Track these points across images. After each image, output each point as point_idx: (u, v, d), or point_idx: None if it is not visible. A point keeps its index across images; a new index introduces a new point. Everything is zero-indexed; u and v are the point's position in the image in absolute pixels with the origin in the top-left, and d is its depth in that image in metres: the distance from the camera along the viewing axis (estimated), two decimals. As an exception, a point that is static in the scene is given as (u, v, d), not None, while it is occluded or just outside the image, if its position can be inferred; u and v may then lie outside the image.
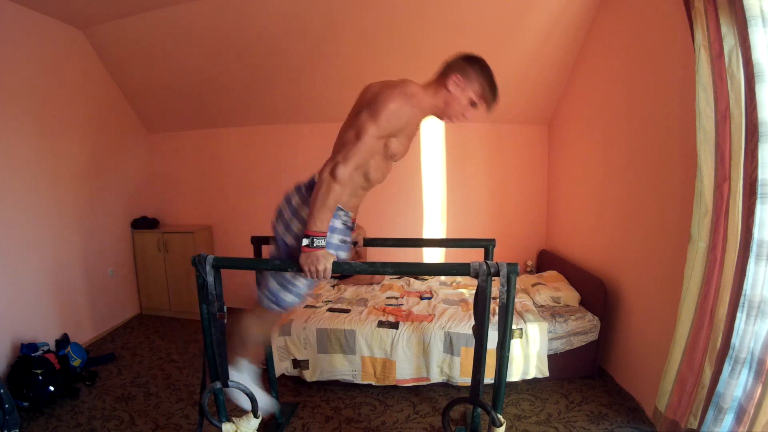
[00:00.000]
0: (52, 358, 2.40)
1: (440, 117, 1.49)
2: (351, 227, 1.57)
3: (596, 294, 2.43)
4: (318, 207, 1.29)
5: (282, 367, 2.38)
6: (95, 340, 3.19)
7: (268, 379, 2.06)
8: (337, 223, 1.47)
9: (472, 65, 1.44)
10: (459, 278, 3.29)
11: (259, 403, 1.57)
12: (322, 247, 1.31)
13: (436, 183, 3.61)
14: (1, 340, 2.41)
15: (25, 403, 2.18)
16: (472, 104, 1.44)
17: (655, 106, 2.03)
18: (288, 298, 1.51)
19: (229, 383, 1.50)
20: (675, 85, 1.86)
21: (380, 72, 3.04)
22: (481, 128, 3.53)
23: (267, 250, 1.84)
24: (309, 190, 1.44)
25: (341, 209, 1.47)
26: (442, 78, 1.46)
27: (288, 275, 1.49)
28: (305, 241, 1.30)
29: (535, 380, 2.38)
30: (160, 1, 2.62)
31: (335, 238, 1.46)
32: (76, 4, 2.59)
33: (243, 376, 1.61)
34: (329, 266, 1.31)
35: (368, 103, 1.35)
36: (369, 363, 2.33)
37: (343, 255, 1.53)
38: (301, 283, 1.50)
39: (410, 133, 1.44)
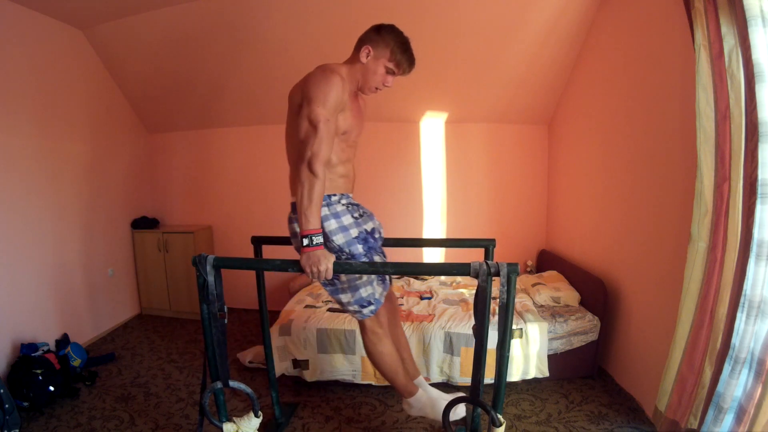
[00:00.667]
0: (52, 358, 2.40)
1: (363, 91, 1.51)
2: (358, 206, 1.59)
3: (596, 294, 2.43)
4: (305, 206, 1.30)
5: (282, 367, 2.38)
6: (95, 340, 3.19)
7: (268, 379, 2.06)
8: (338, 208, 1.49)
9: (380, 33, 1.45)
10: (459, 278, 3.29)
11: (459, 411, 1.54)
12: (321, 245, 1.31)
13: (436, 183, 3.62)
14: (1, 340, 2.41)
15: (25, 403, 2.18)
16: (389, 72, 1.47)
17: (655, 106, 2.03)
18: (363, 291, 1.49)
19: (230, 383, 1.50)
20: (675, 85, 1.86)
21: (380, 72, 3.07)
22: (481, 128, 3.54)
23: (267, 250, 1.85)
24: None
25: (333, 195, 1.49)
26: (355, 52, 1.48)
27: (340, 278, 1.49)
28: (305, 242, 1.30)
29: (535, 380, 2.38)
30: (160, 1, 2.62)
31: (346, 219, 1.48)
32: (76, 4, 2.59)
33: (423, 406, 1.59)
34: (330, 266, 1.31)
35: (301, 98, 1.38)
36: (369, 363, 2.33)
37: (369, 225, 1.55)
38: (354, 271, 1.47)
39: (350, 108, 1.46)
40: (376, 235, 1.60)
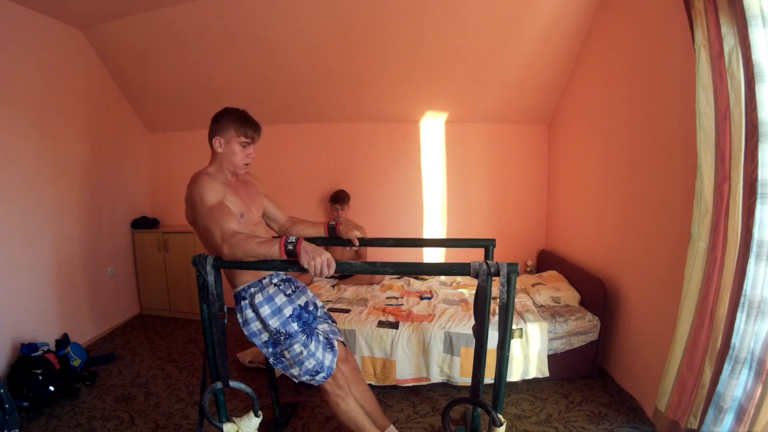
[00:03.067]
0: (52, 358, 2.40)
1: (235, 173, 1.62)
2: (290, 280, 1.72)
3: (596, 294, 2.43)
4: (255, 252, 1.32)
5: (282, 367, 2.38)
6: (95, 340, 3.19)
7: (268, 379, 2.06)
8: (270, 290, 1.61)
9: (218, 121, 1.58)
10: (459, 278, 3.29)
11: None
12: (300, 239, 1.33)
13: (436, 183, 3.61)
14: (1, 340, 2.41)
15: (25, 403, 2.18)
16: (245, 145, 1.58)
17: (655, 106, 2.03)
18: (308, 364, 1.58)
19: (230, 383, 1.50)
20: (675, 85, 1.86)
21: (379, 72, 3.08)
22: (481, 128, 3.54)
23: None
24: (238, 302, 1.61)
25: (263, 279, 1.62)
26: (211, 149, 1.60)
27: (285, 356, 1.59)
28: (290, 246, 1.31)
29: (535, 380, 2.38)
30: (160, 1, 2.62)
31: (279, 299, 1.59)
32: (76, 4, 2.59)
33: None
34: (327, 255, 1.30)
35: (190, 212, 1.50)
36: (369, 363, 2.33)
37: (302, 299, 1.68)
38: (300, 343, 1.57)
39: (234, 194, 1.55)
40: (310, 308, 1.71)
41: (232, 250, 1.33)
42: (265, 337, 1.59)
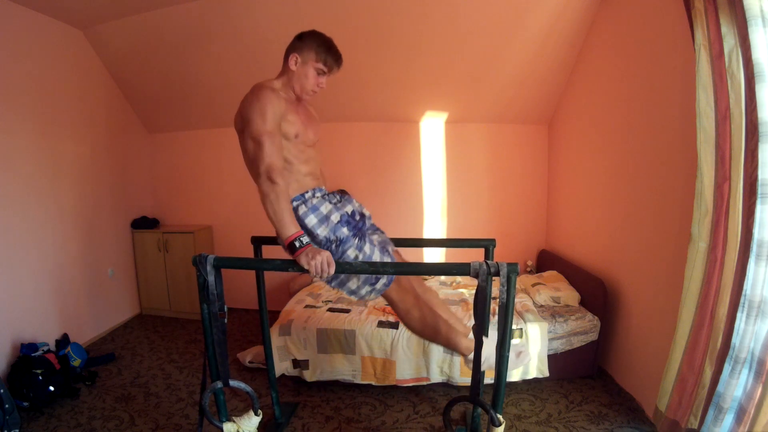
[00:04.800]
0: (52, 358, 2.40)
1: (301, 97, 1.56)
2: (334, 194, 1.60)
3: (596, 294, 2.43)
4: (279, 215, 1.32)
5: (282, 367, 2.38)
6: (95, 340, 3.19)
7: (268, 379, 2.06)
8: (314, 201, 1.49)
9: (302, 39, 1.50)
10: (459, 278, 3.29)
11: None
12: (309, 243, 1.33)
13: (436, 183, 3.62)
14: (1, 340, 2.41)
15: (25, 403, 2.18)
16: (320, 73, 1.52)
17: (656, 106, 2.03)
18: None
19: (230, 382, 1.50)
20: (675, 85, 1.86)
21: (379, 72, 3.08)
22: (481, 128, 3.54)
23: (267, 250, 1.85)
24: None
25: (306, 192, 1.50)
26: (284, 63, 1.53)
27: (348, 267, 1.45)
28: (296, 243, 1.31)
29: (535, 380, 2.38)
30: (160, 1, 2.62)
31: (324, 207, 1.49)
32: (76, 4, 2.59)
33: (488, 356, 1.49)
34: (328, 256, 1.30)
35: (241, 122, 1.44)
36: (369, 363, 2.33)
37: (348, 208, 1.55)
38: (354, 247, 1.47)
39: (295, 114, 1.48)
40: (357, 217, 1.57)
41: (270, 188, 1.32)
42: (327, 243, 1.47)
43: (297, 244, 1.32)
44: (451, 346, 1.62)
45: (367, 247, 1.49)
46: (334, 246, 1.46)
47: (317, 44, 1.48)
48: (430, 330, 1.58)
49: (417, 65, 2.99)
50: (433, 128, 3.55)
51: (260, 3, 2.62)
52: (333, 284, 1.54)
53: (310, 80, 1.51)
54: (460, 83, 3.13)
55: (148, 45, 2.98)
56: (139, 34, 2.90)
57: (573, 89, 3.03)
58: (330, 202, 1.52)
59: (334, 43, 1.52)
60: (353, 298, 1.56)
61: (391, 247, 1.62)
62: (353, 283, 1.51)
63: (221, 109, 3.54)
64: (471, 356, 1.52)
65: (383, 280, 1.50)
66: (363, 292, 1.52)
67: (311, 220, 1.46)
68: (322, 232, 1.46)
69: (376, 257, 1.50)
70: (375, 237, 1.62)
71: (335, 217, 1.48)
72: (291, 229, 1.33)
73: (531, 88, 3.14)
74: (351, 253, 1.46)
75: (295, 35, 1.53)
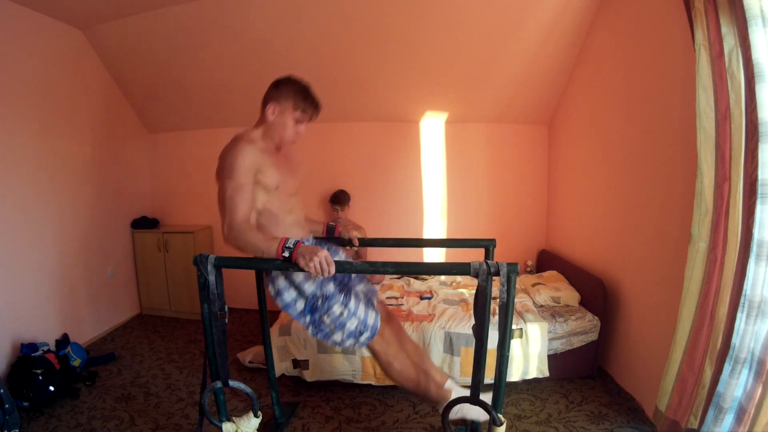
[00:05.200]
0: (52, 358, 2.40)
1: (281, 145, 1.56)
2: (319, 243, 1.63)
3: (596, 294, 2.43)
4: (254, 246, 1.34)
5: (282, 367, 2.38)
6: (95, 340, 3.19)
7: (268, 379, 2.06)
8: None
9: (279, 87, 1.50)
10: (459, 278, 3.29)
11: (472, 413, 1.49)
12: (299, 242, 1.32)
13: (436, 183, 3.61)
14: (1, 340, 2.41)
15: (25, 403, 2.18)
16: (298, 121, 1.51)
17: (656, 106, 2.03)
18: (350, 325, 1.49)
19: (230, 383, 1.50)
20: (675, 85, 1.86)
21: (379, 72, 3.07)
22: (481, 128, 3.54)
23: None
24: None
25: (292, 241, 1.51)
26: (262, 112, 1.52)
27: (324, 322, 1.49)
28: (285, 253, 1.31)
29: (535, 380, 2.38)
30: (160, 1, 2.62)
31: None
32: (76, 4, 2.59)
33: (460, 408, 1.49)
34: (325, 253, 1.29)
35: (218, 170, 1.48)
36: (369, 363, 2.33)
37: (338, 256, 1.55)
38: (339, 303, 1.49)
39: (273, 164, 1.48)
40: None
41: (236, 236, 1.34)
42: (300, 305, 1.50)
43: (287, 253, 1.31)
44: (428, 398, 1.64)
45: (352, 303, 1.50)
46: (319, 302, 1.49)
47: (294, 92, 1.48)
48: (411, 383, 1.60)
49: (417, 65, 2.99)
50: (433, 128, 3.55)
51: (260, 3, 2.62)
52: (319, 336, 1.56)
53: (288, 130, 1.51)
54: (460, 83, 3.13)
55: (148, 45, 2.98)
56: (139, 34, 2.90)
57: (573, 89, 3.03)
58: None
59: (311, 90, 1.52)
60: (337, 348, 1.57)
61: (375, 299, 1.65)
62: (338, 336, 1.52)
63: (221, 109, 3.54)
64: (442, 407, 1.52)
65: (367, 333, 1.52)
66: (347, 343, 1.54)
67: (298, 276, 1.49)
68: (308, 288, 1.49)
69: (361, 312, 1.52)
70: (360, 287, 1.64)
71: None
72: (272, 246, 1.32)
73: (531, 88, 3.14)
74: (336, 309, 1.48)
75: (270, 83, 1.52)
